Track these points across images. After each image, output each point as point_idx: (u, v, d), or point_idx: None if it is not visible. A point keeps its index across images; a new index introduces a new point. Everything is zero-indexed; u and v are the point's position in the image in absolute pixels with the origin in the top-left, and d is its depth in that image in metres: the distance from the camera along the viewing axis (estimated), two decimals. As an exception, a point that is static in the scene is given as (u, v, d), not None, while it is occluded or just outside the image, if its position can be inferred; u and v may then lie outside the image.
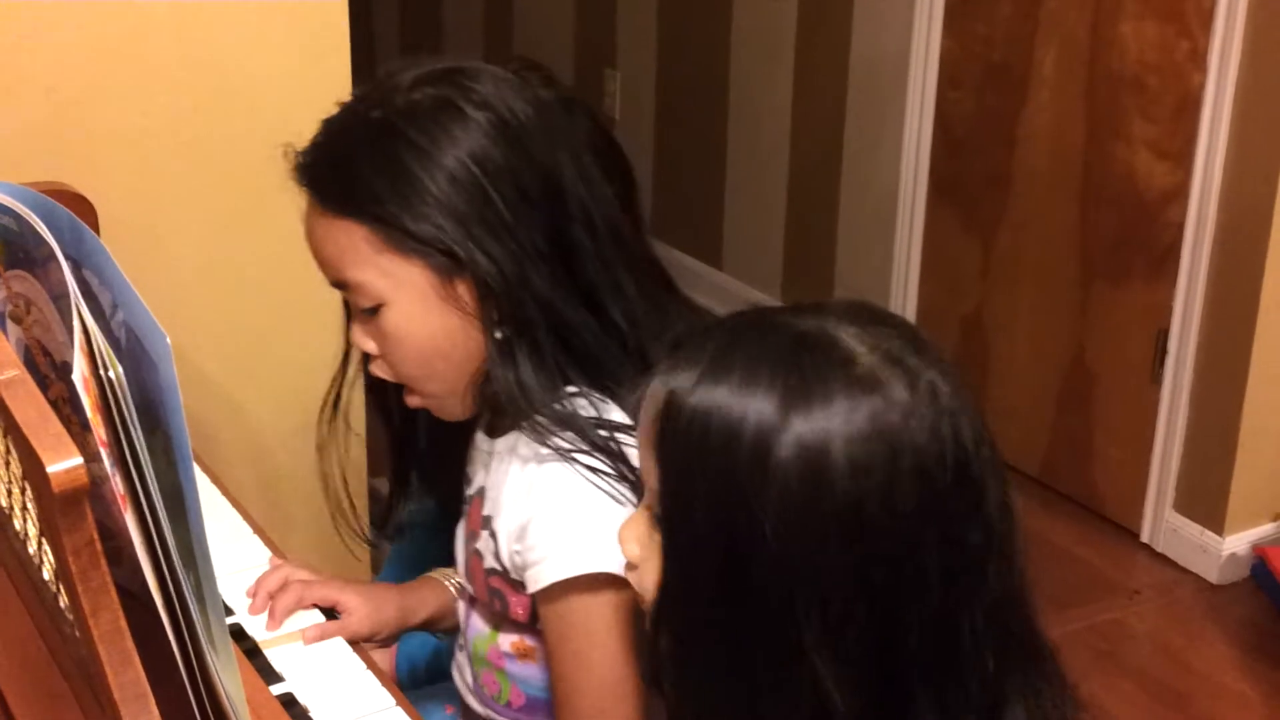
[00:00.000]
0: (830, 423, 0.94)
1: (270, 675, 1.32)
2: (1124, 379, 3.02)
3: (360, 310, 1.34)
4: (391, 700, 1.31)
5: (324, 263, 1.35)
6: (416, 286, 1.31)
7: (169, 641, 0.96)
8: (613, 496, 1.31)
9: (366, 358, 1.40)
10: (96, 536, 0.86)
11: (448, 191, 1.29)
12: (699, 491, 0.96)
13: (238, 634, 1.37)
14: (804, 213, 3.77)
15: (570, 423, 1.32)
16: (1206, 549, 2.93)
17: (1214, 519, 2.92)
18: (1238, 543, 2.93)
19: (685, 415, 0.97)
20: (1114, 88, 2.95)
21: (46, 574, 1.04)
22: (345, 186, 1.31)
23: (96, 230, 1.72)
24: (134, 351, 0.95)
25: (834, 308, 1.02)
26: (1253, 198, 2.72)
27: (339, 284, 1.35)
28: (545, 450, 1.32)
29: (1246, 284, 2.76)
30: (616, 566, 1.29)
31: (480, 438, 1.44)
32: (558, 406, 1.33)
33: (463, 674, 1.49)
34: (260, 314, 1.99)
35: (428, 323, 1.32)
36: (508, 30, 4.79)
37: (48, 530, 0.93)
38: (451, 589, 1.55)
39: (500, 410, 1.37)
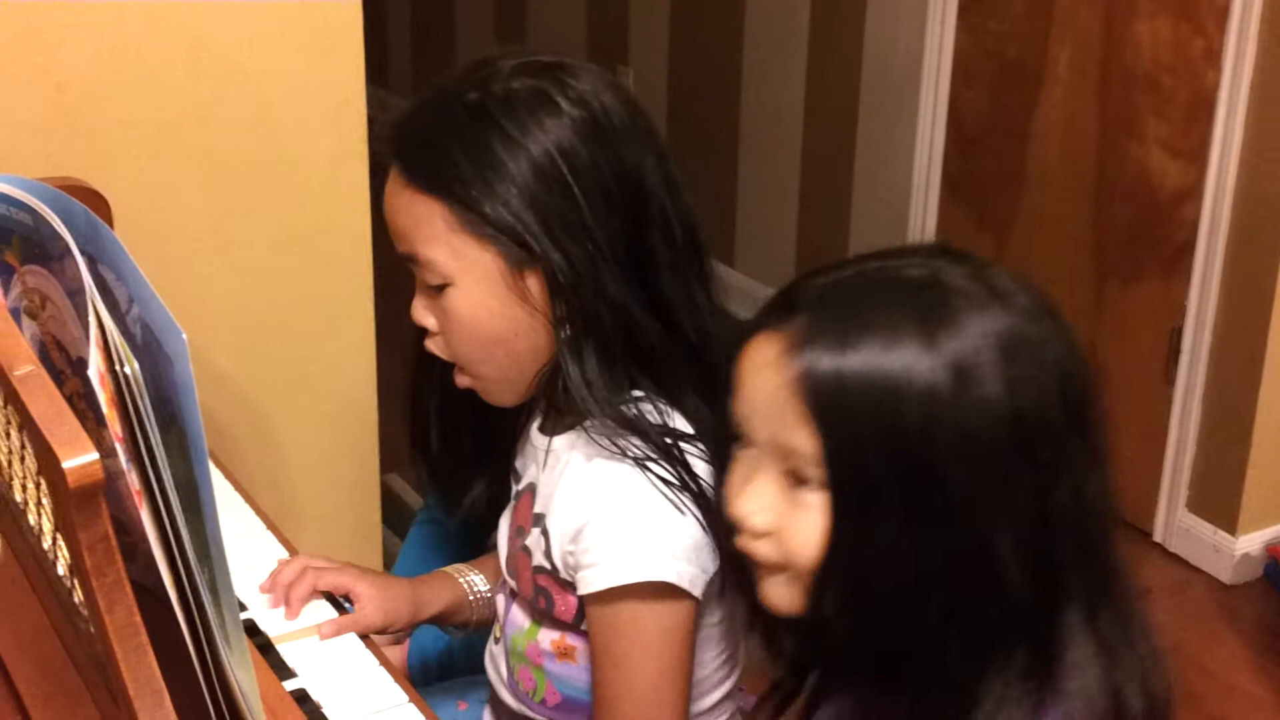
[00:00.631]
0: (977, 345, 1.01)
1: (283, 670, 1.32)
2: (1137, 377, 3.01)
3: (427, 286, 1.35)
4: (404, 696, 1.31)
5: (399, 234, 1.35)
6: (486, 272, 1.32)
7: (183, 637, 0.96)
8: (675, 504, 1.30)
9: (422, 333, 1.40)
10: (111, 532, 0.86)
11: (531, 183, 1.30)
12: (872, 444, 1.01)
13: (251, 629, 1.37)
14: (816, 210, 3.76)
15: (635, 427, 1.32)
16: (1219, 549, 2.93)
17: (1227, 518, 2.91)
18: (1251, 543, 2.92)
19: (843, 380, 1.02)
20: (1128, 86, 2.94)
21: (61, 569, 1.04)
22: (432, 163, 1.32)
23: (111, 225, 1.72)
24: (150, 347, 0.95)
25: (920, 251, 1.10)
26: (1267, 196, 2.71)
27: (409, 257, 1.34)
28: (607, 452, 1.32)
29: (1261, 282, 2.75)
30: (673, 576, 1.30)
31: (535, 434, 1.43)
32: (624, 409, 1.33)
33: (497, 667, 1.48)
34: (275, 309, 1.99)
35: (491, 309, 1.33)
36: (520, 27, 4.79)
37: (63, 526, 0.93)
38: (464, 586, 1.55)
39: (561, 407, 1.37)
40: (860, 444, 1.02)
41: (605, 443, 1.32)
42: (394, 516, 2.32)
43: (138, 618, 0.88)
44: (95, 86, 1.80)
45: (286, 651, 1.35)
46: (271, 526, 1.55)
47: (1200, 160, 2.81)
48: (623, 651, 1.33)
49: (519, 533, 1.42)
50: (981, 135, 3.32)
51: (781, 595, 1.09)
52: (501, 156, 1.30)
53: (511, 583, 1.45)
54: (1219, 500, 2.92)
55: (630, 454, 1.31)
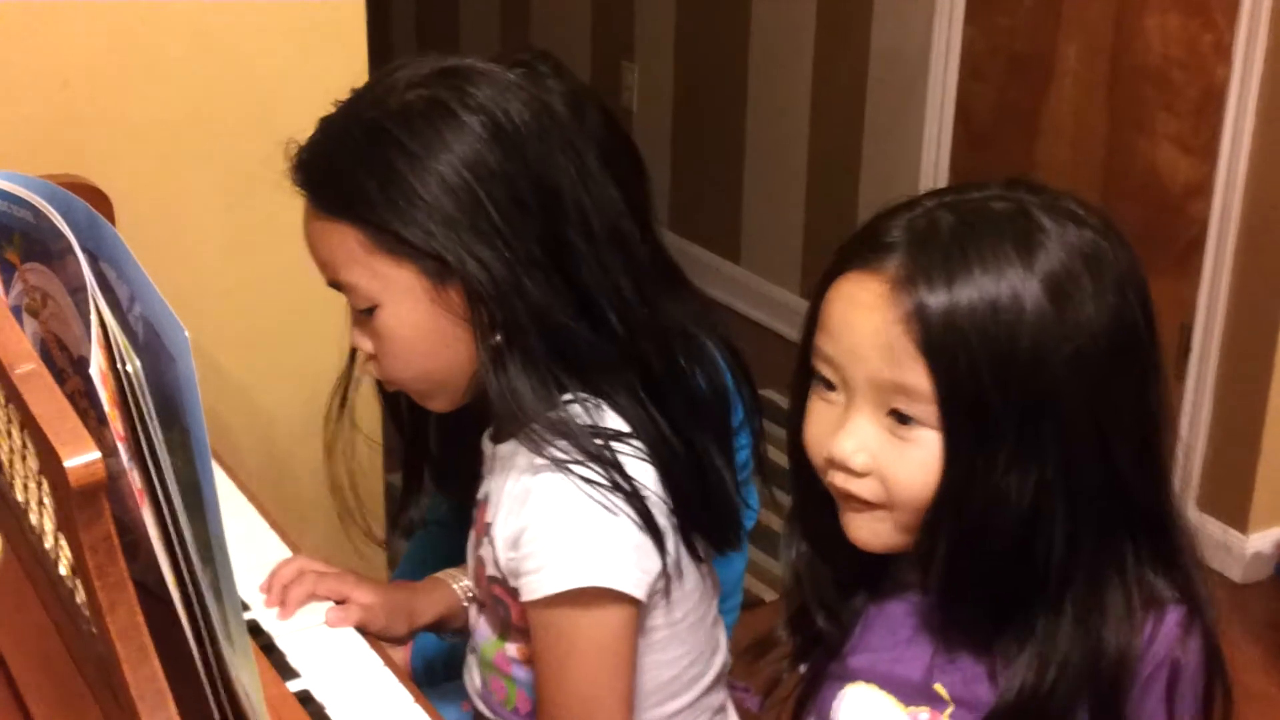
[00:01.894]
0: (1071, 267, 1.07)
1: (287, 671, 1.31)
2: (1146, 374, 3.00)
3: (356, 311, 1.35)
4: (409, 697, 1.30)
5: (320, 263, 1.35)
6: (408, 290, 1.31)
7: (186, 637, 0.95)
8: (606, 507, 1.30)
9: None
10: (114, 531, 0.86)
11: (438, 196, 1.28)
12: (988, 375, 1.05)
13: (254, 629, 1.36)
14: (823, 206, 3.76)
15: (564, 431, 1.31)
16: (1230, 547, 2.91)
17: (1238, 517, 2.90)
18: (1262, 541, 2.91)
19: (955, 315, 1.05)
20: (1137, 81, 2.93)
21: (63, 569, 1.03)
22: (337, 188, 1.31)
23: (113, 223, 1.71)
24: (152, 345, 0.94)
25: (993, 184, 1.14)
26: (1278, 192, 2.70)
27: (335, 284, 1.35)
28: (540, 459, 1.31)
29: (1271, 279, 2.74)
30: (609, 580, 1.30)
31: (485, 443, 1.43)
32: (552, 414, 1.31)
33: (471, 678, 1.48)
34: (277, 308, 1.99)
35: (419, 325, 1.32)
36: (525, 23, 4.78)
37: (65, 525, 0.92)
38: (458, 591, 1.54)
39: (500, 415, 1.36)
40: (976, 377, 1.05)
41: (540, 447, 1.31)
42: (394, 518, 2.31)
43: (140, 618, 0.88)
44: (99, 83, 1.80)
45: (290, 652, 1.34)
46: (275, 526, 1.54)
47: (1210, 156, 2.80)
48: (561, 657, 1.32)
49: (477, 542, 1.42)
50: (990, 130, 3.31)
51: (876, 531, 1.13)
52: (405, 173, 1.28)
53: (476, 591, 1.45)
54: (1229, 498, 2.91)
55: (555, 459, 1.30)
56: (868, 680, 1.20)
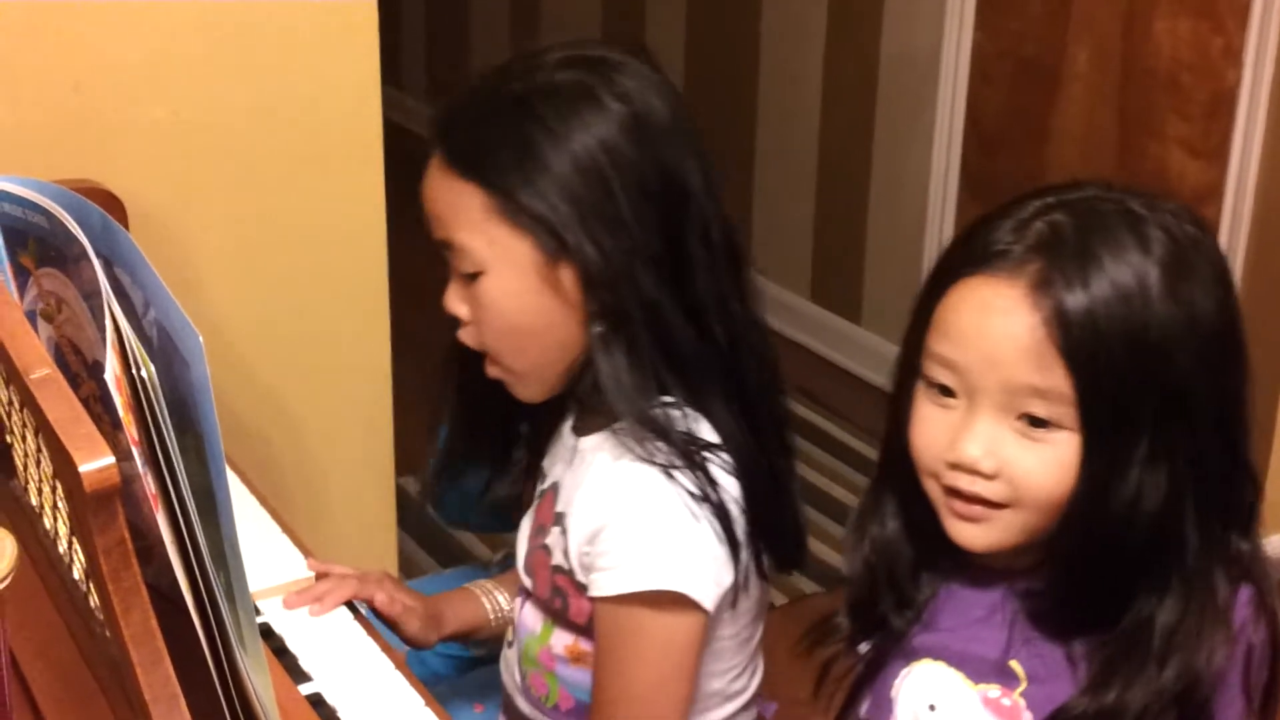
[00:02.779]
0: (1187, 258, 1.12)
1: (299, 675, 1.31)
2: (1156, 378, 3.00)
3: (460, 274, 1.34)
4: (420, 700, 1.30)
5: (436, 219, 1.35)
6: (520, 262, 1.31)
7: (199, 641, 0.95)
8: (692, 514, 1.30)
9: (456, 324, 1.39)
10: (128, 536, 0.86)
11: (570, 175, 1.29)
12: (1127, 374, 1.09)
13: (265, 632, 1.37)
14: (833, 210, 3.75)
15: (660, 431, 1.31)
16: (1239, 550, 2.91)
17: (1247, 520, 2.89)
18: (1272, 546, 2.90)
19: (1095, 317, 1.09)
20: (1147, 85, 2.92)
21: (77, 573, 1.04)
22: (473, 148, 1.32)
23: (127, 228, 1.72)
24: (166, 350, 0.95)
25: (1087, 185, 1.18)
26: (1288, 196, 2.70)
27: (445, 243, 1.34)
28: (633, 455, 1.31)
29: (1281, 283, 2.74)
30: (685, 587, 1.29)
31: (567, 433, 1.43)
32: (655, 413, 1.32)
33: (510, 672, 1.48)
34: (290, 312, 1.99)
35: (523, 299, 1.32)
36: (535, 24, 4.78)
37: (79, 529, 0.93)
38: (487, 604, 1.53)
39: (590, 407, 1.36)
40: (1115, 374, 1.09)
41: (632, 445, 1.31)
42: (409, 519, 2.31)
43: (154, 622, 0.88)
44: (111, 87, 1.80)
45: (302, 655, 1.34)
46: (287, 530, 1.54)
47: (1221, 160, 2.79)
48: (625, 657, 1.32)
49: (539, 531, 1.42)
50: (1000, 134, 3.31)
51: (987, 533, 1.16)
52: (542, 147, 1.30)
53: (527, 581, 1.44)
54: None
55: (657, 459, 1.30)
56: (935, 658, 1.22)
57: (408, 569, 2.50)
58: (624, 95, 1.32)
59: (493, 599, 1.54)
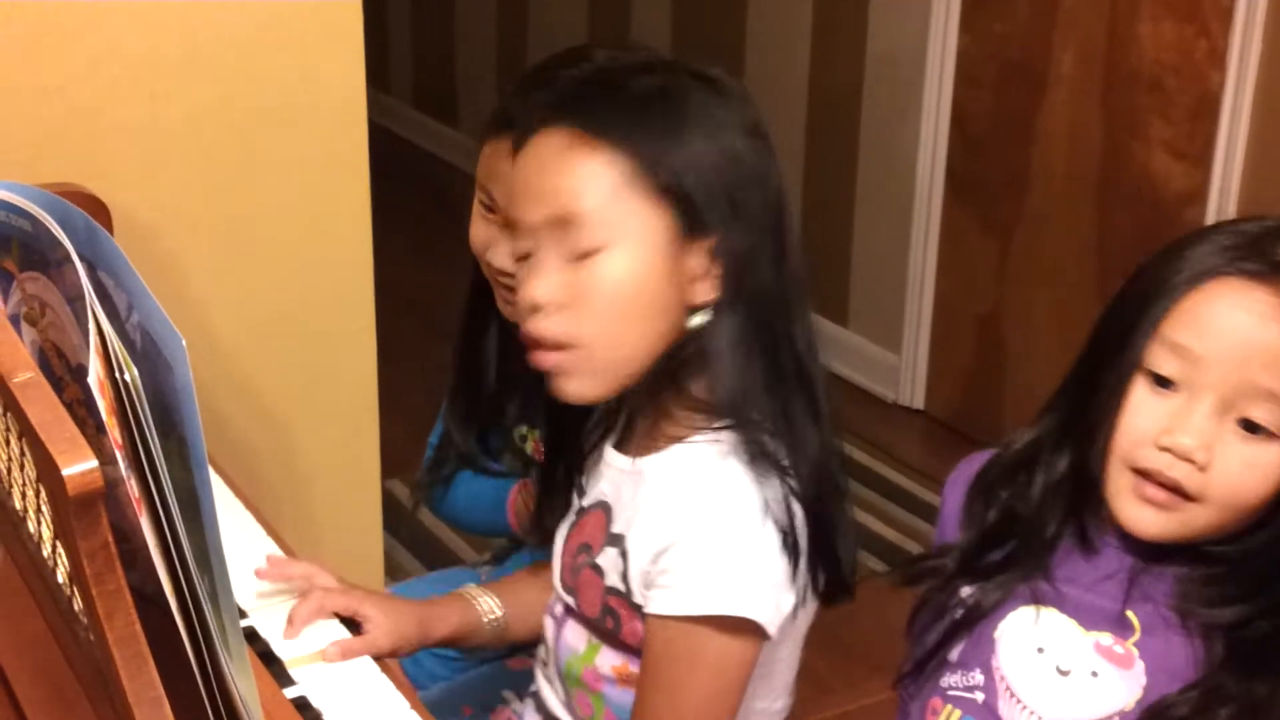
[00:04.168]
0: None
1: (284, 679, 1.31)
2: (1141, 380, 3.01)
3: (559, 258, 1.29)
4: (405, 704, 1.30)
5: (551, 194, 1.28)
6: (650, 237, 1.27)
7: (183, 645, 0.95)
8: (768, 534, 1.27)
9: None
10: (111, 540, 0.86)
11: (715, 157, 1.28)
12: None
13: (251, 636, 1.36)
14: (819, 212, 3.76)
15: (760, 444, 1.28)
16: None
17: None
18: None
19: None
20: (1132, 87, 2.93)
21: (61, 577, 1.03)
22: (624, 115, 1.29)
23: (111, 231, 1.71)
24: (149, 354, 0.95)
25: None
26: (1272, 199, 2.71)
27: (557, 219, 1.28)
28: (715, 467, 1.28)
29: (1265, 285, 2.74)
30: (752, 612, 1.27)
31: (610, 453, 1.40)
32: (755, 419, 1.29)
33: (553, 688, 1.45)
34: (275, 315, 1.99)
35: (645, 278, 1.27)
36: (522, 25, 4.78)
37: (62, 533, 0.93)
38: (478, 608, 1.53)
39: (643, 425, 1.35)
40: None
41: (714, 457, 1.28)
42: (395, 522, 2.31)
43: (137, 625, 0.88)
44: (96, 91, 1.80)
45: (288, 659, 1.34)
46: (272, 533, 1.54)
47: (1205, 163, 2.80)
48: (678, 676, 1.30)
49: (583, 549, 1.39)
50: (985, 136, 3.32)
51: (1163, 522, 1.20)
52: (690, 122, 1.29)
53: (568, 599, 1.41)
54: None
55: (750, 469, 1.27)
56: (1046, 604, 1.27)
57: (394, 572, 2.50)
58: (750, 102, 1.34)
59: (484, 604, 1.53)
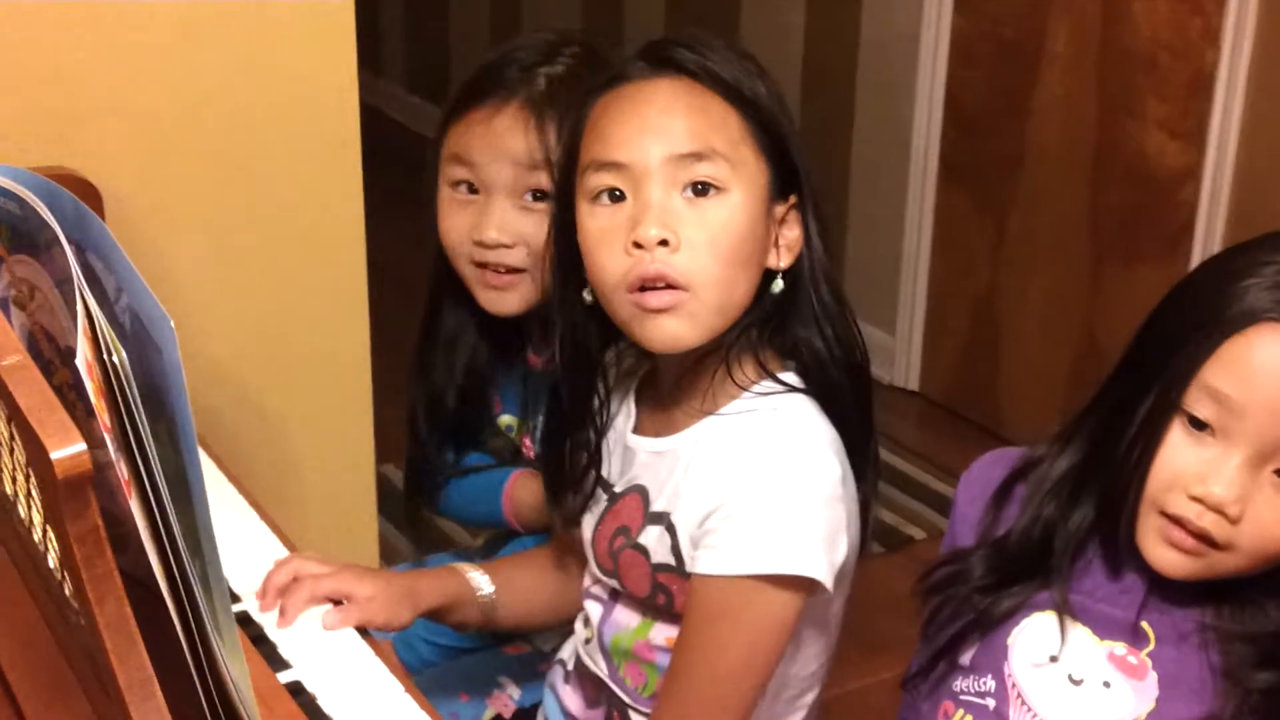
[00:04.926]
0: None
1: (277, 662, 1.30)
2: (1137, 360, 3.00)
3: (680, 195, 1.31)
4: (400, 687, 1.30)
5: (686, 132, 1.31)
6: (757, 185, 1.33)
7: (175, 628, 0.95)
8: (828, 488, 1.30)
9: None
10: (101, 523, 0.86)
11: (795, 131, 1.38)
12: None
13: (244, 620, 1.36)
14: (814, 194, 3.76)
15: (800, 409, 1.34)
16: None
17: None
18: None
19: None
20: (1126, 66, 2.93)
21: (51, 562, 1.03)
22: (730, 76, 1.34)
23: (102, 215, 1.71)
24: (139, 336, 0.94)
25: None
26: (1266, 177, 2.71)
27: (695, 154, 1.31)
28: (753, 432, 1.31)
29: (1260, 263, 2.74)
30: (804, 568, 1.28)
31: (634, 439, 1.42)
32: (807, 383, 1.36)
33: (595, 663, 1.46)
34: (269, 299, 1.98)
35: (754, 227, 1.32)
36: (515, 19, 4.77)
37: (52, 517, 0.92)
38: (470, 582, 1.53)
39: (669, 402, 1.38)
40: None
41: (780, 413, 1.33)
42: (391, 507, 2.31)
43: (128, 609, 0.88)
44: (90, 76, 1.79)
45: (281, 643, 1.34)
46: (265, 517, 1.54)
47: (1199, 141, 2.80)
48: (717, 637, 1.31)
49: (620, 532, 1.40)
50: (980, 116, 3.31)
51: (1189, 564, 1.18)
52: (776, 94, 1.36)
53: (612, 583, 1.42)
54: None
55: (792, 430, 1.32)
56: (1063, 612, 1.25)
57: (389, 556, 2.49)
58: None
59: (475, 579, 1.53)
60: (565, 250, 1.39)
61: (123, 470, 0.92)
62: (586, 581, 1.48)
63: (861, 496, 1.38)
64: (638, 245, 1.29)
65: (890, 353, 3.64)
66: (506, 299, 1.61)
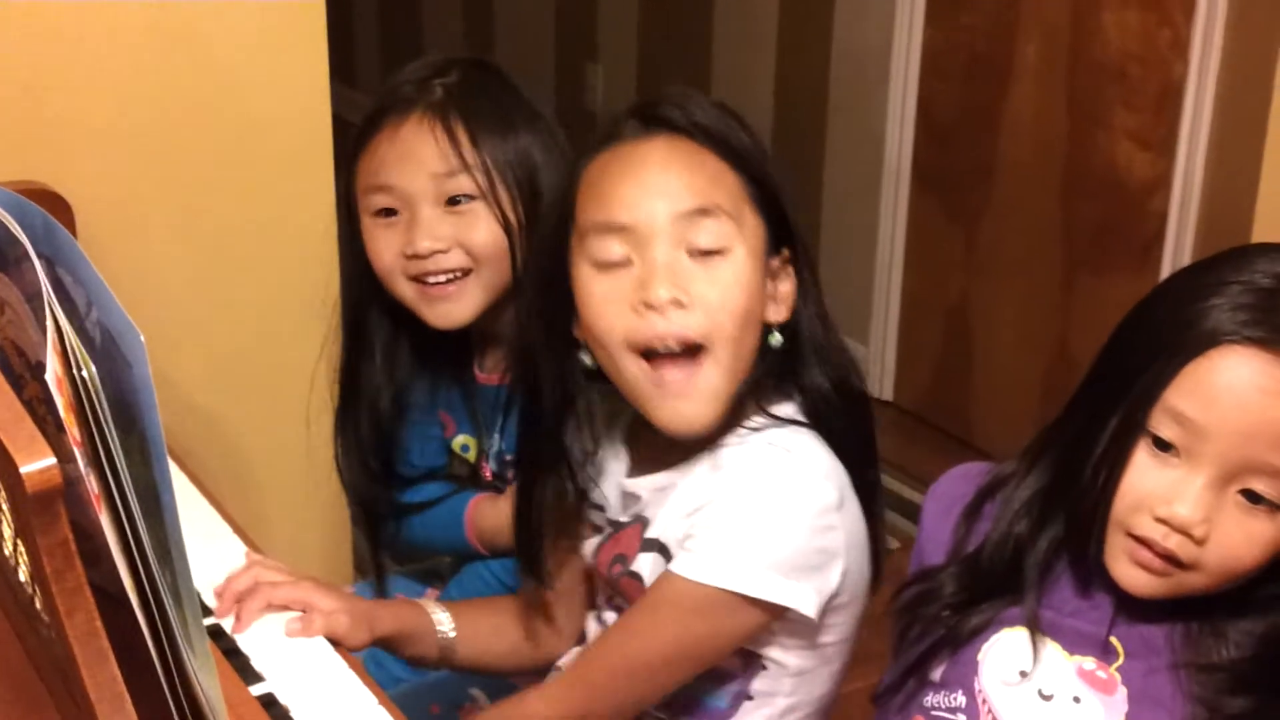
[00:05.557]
0: None
1: (250, 675, 1.30)
2: (1108, 369, 3.02)
3: (689, 257, 1.31)
4: (374, 700, 1.30)
5: (688, 188, 1.32)
6: (757, 241, 1.33)
7: (146, 640, 0.95)
8: (822, 524, 1.31)
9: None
10: (71, 537, 0.86)
11: (782, 179, 1.37)
12: None
13: (217, 633, 1.36)
14: (787, 205, 3.77)
15: (804, 444, 1.35)
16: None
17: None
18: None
19: None
20: (1096, 77, 2.94)
21: (22, 575, 1.03)
22: (723, 136, 1.34)
23: (73, 228, 1.71)
24: (109, 350, 0.94)
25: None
26: (1235, 187, 2.72)
27: (700, 210, 1.31)
28: (756, 458, 1.32)
29: (1229, 273, 2.75)
30: (776, 595, 1.29)
31: (629, 483, 1.42)
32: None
33: None
34: (240, 311, 1.98)
35: (753, 285, 1.32)
36: (489, 24, 4.78)
37: (22, 531, 0.92)
38: (432, 617, 1.51)
39: (662, 444, 1.37)
40: None
41: (774, 444, 1.32)
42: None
43: (98, 622, 0.88)
44: (60, 88, 1.79)
45: (254, 656, 1.34)
46: (238, 530, 1.53)
47: (1168, 151, 2.82)
48: (661, 621, 1.32)
49: (618, 560, 1.41)
50: (951, 128, 3.32)
51: (1154, 583, 1.18)
52: (763, 149, 1.37)
53: (616, 605, 1.44)
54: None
55: (819, 453, 1.33)
56: (1034, 628, 1.25)
57: (363, 567, 2.49)
58: None
59: (437, 616, 1.52)
60: (551, 305, 1.38)
61: (93, 484, 0.92)
62: (600, 598, 1.49)
63: (870, 527, 1.38)
64: (649, 306, 1.29)
65: (864, 363, 3.65)
66: (455, 309, 1.60)
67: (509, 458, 1.66)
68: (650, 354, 1.30)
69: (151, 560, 0.93)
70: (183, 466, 1.60)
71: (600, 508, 1.46)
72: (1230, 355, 1.13)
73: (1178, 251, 2.83)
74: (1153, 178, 2.87)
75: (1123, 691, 1.22)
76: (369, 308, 1.66)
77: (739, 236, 1.31)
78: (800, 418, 1.35)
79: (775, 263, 1.35)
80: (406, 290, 1.61)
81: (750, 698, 1.39)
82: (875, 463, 1.40)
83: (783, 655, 1.37)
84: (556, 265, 1.36)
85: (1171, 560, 1.17)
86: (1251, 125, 2.68)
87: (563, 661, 1.51)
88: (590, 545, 1.46)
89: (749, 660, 1.38)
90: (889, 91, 3.40)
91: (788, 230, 1.36)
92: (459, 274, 1.58)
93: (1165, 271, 2.86)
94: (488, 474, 1.70)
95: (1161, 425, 1.16)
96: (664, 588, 1.32)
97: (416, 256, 1.58)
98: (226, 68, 1.89)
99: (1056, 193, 3.08)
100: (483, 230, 1.57)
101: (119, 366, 0.93)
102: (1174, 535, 1.16)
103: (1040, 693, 1.24)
